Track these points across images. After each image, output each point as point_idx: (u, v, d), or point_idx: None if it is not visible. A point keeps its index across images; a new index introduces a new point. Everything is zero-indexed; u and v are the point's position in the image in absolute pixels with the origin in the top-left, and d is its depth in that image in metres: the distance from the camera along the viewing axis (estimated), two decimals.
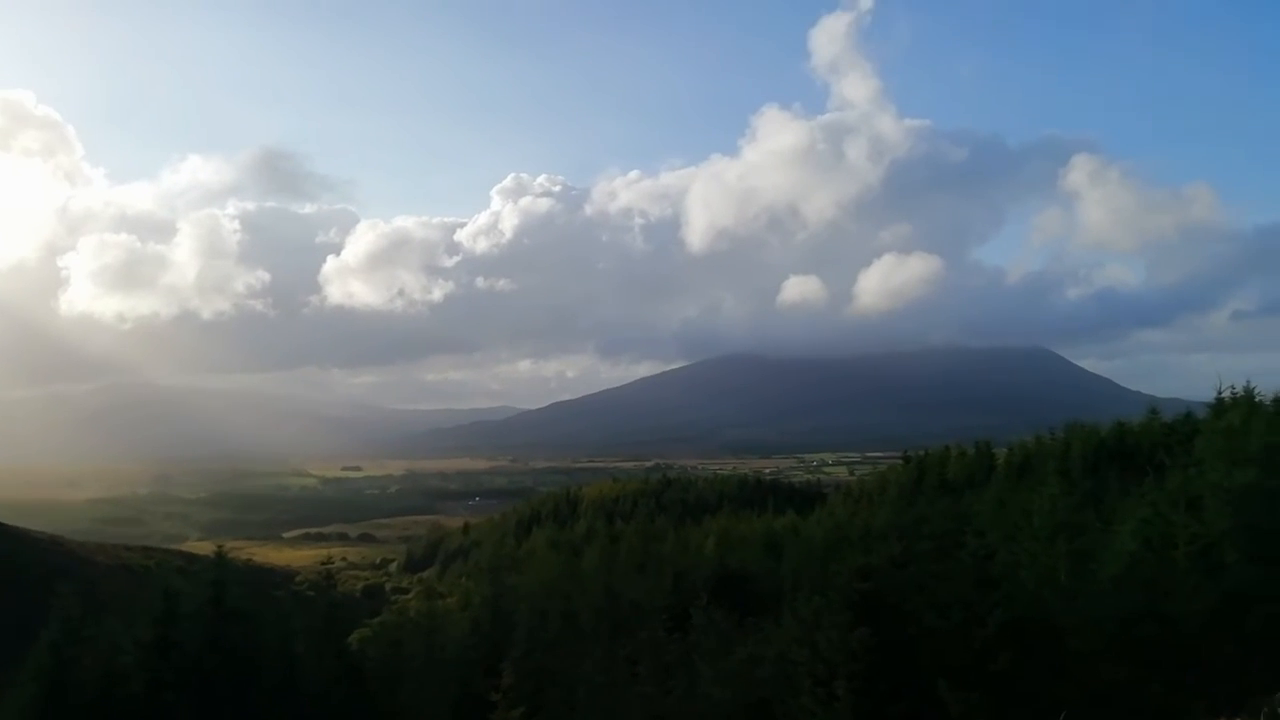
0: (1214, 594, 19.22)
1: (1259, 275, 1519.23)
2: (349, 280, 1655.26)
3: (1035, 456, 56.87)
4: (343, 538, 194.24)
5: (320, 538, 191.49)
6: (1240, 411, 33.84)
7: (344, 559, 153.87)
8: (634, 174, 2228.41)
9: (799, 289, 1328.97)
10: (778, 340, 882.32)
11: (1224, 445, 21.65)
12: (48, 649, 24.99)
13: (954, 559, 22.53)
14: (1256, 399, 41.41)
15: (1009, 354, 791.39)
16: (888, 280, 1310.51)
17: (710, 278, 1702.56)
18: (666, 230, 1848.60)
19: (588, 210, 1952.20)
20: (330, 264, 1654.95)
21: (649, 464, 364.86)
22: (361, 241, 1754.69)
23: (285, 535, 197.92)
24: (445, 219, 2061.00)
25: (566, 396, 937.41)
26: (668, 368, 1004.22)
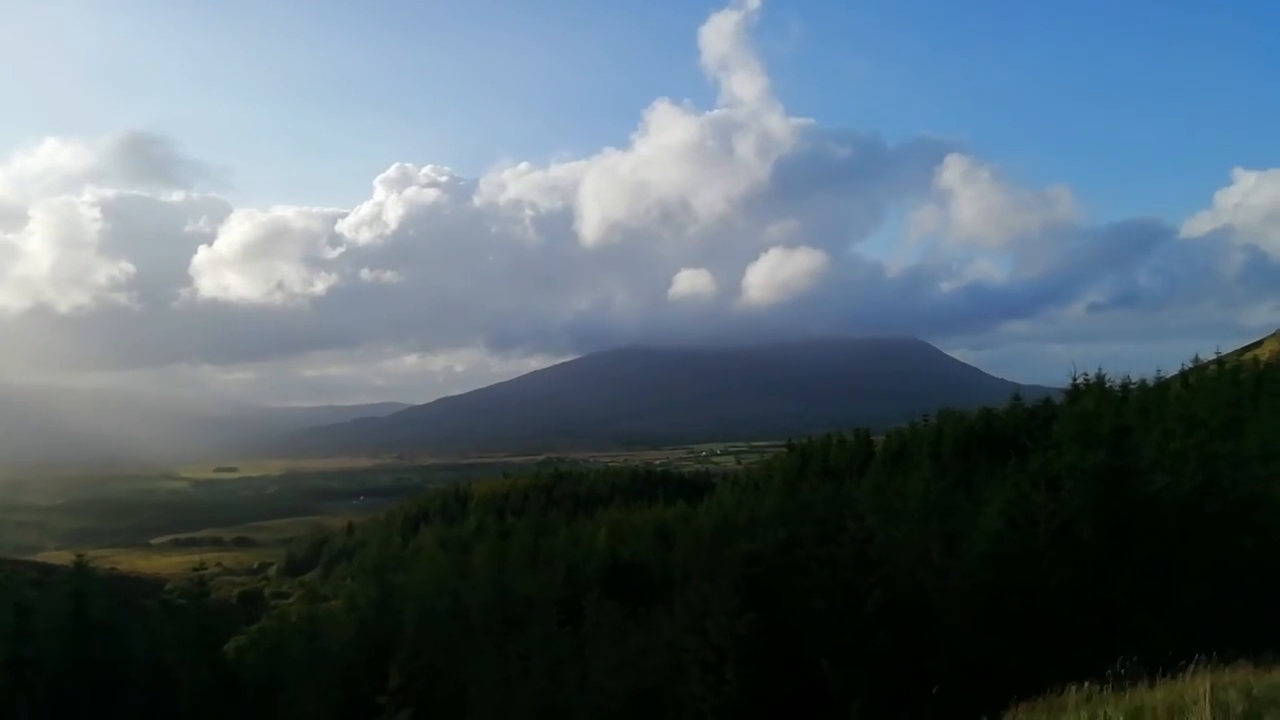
0: (1072, 568, 20.55)
1: (1112, 270, 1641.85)
2: (223, 272, 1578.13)
3: (910, 443, 59.46)
4: (217, 543, 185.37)
5: (192, 543, 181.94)
6: (1093, 396, 36.45)
7: (218, 564, 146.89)
8: (524, 165, 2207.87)
9: (690, 282, 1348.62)
10: (669, 332, 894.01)
11: (1078, 428, 23.13)
12: None
13: (835, 543, 23.30)
14: (1107, 385, 44.73)
15: (886, 344, 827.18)
16: (774, 274, 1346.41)
17: (602, 270, 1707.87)
18: (558, 223, 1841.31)
19: (476, 202, 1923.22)
20: (202, 255, 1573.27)
21: (540, 458, 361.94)
22: (236, 231, 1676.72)
23: (153, 542, 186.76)
24: (326, 209, 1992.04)
25: (455, 391, 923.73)
26: (559, 361, 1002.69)
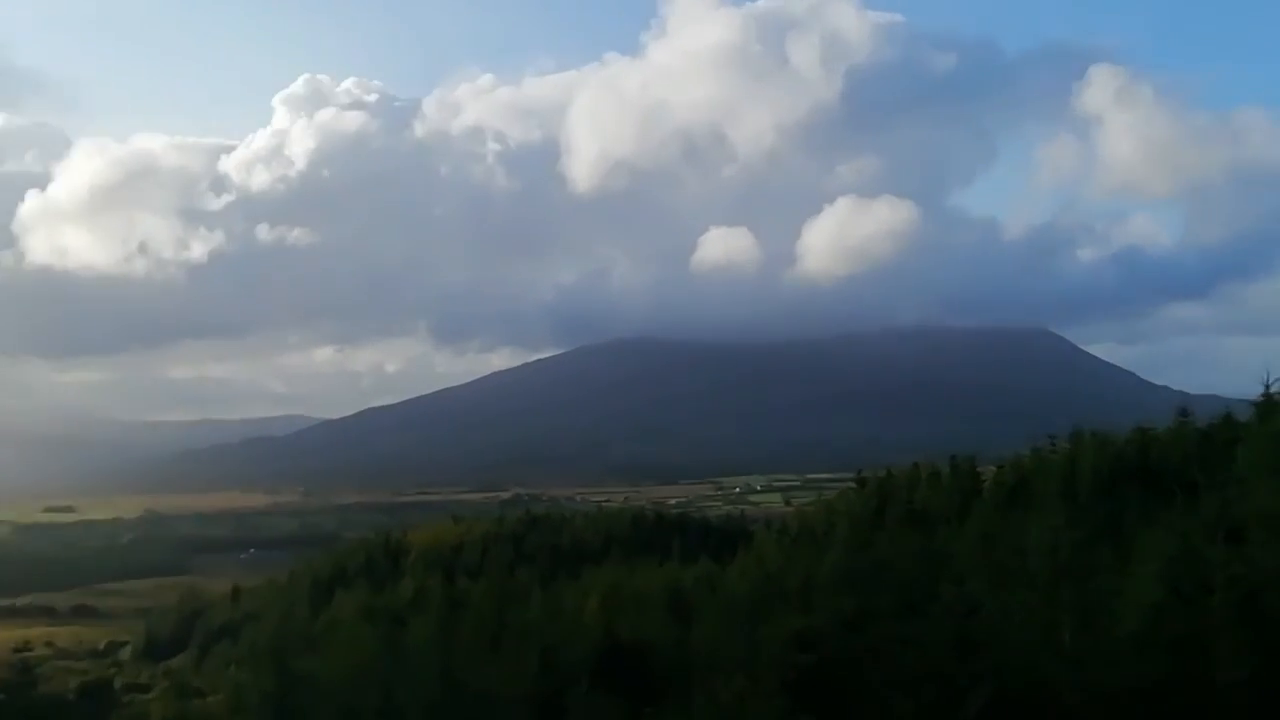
0: (1260, 655, 20.44)
1: None
2: (60, 228, 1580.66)
3: (1032, 476, 59.22)
4: (48, 612, 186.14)
5: (12, 613, 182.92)
6: None
7: (49, 643, 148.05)
8: (487, 79, 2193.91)
9: (723, 246, 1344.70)
10: (691, 319, 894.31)
11: (1274, 457, 23.08)
12: None
13: (926, 618, 23.29)
14: None
15: (1001, 337, 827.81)
16: (843, 234, 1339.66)
17: (597, 230, 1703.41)
18: (535, 161, 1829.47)
19: (418, 130, 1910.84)
20: (31, 204, 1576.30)
21: (505, 495, 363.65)
22: (81, 171, 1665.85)
23: None
24: (207, 139, 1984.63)
25: (386, 399, 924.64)
26: (534, 357, 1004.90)
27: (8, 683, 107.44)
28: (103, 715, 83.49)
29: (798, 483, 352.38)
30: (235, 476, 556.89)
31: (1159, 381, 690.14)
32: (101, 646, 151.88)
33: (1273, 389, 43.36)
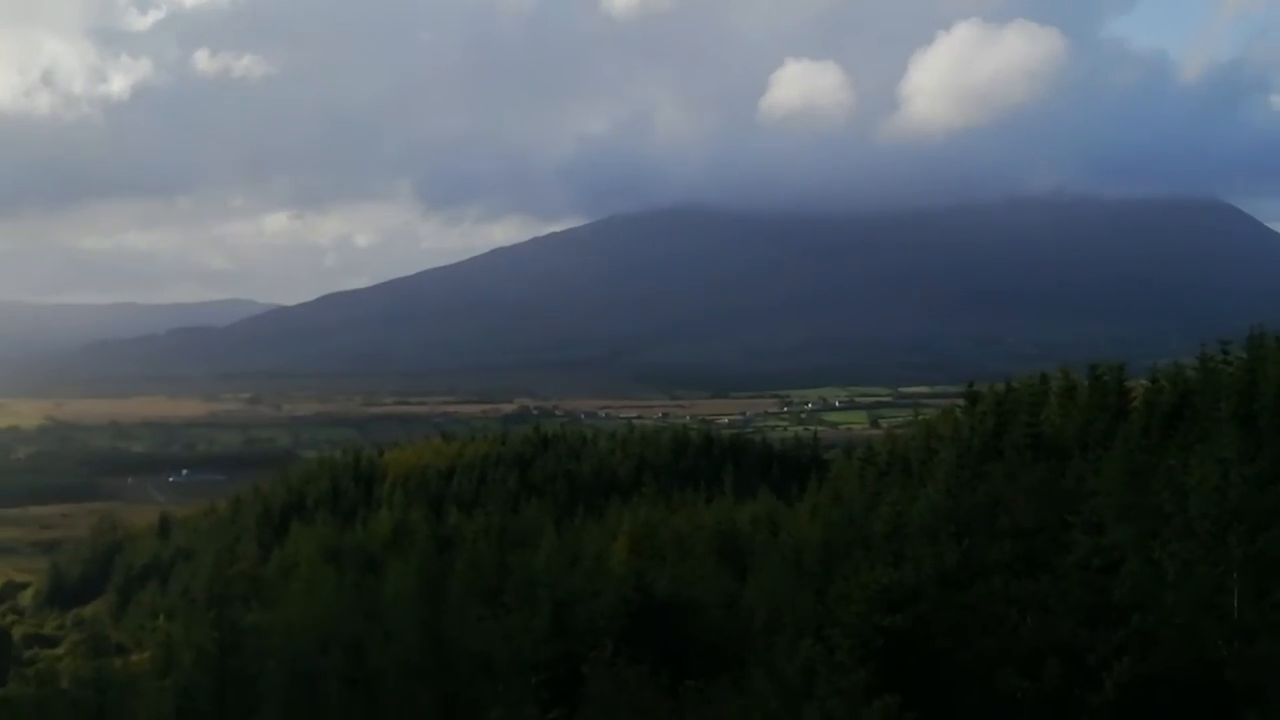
0: None
1: None
2: None
3: (1197, 393, 58.93)
4: None
5: None
6: None
7: None
8: None
9: (801, 86, 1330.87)
10: (755, 182, 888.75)
11: None
12: None
13: (1051, 573, 23.39)
14: None
15: (1163, 211, 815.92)
16: (961, 73, 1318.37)
17: (636, 63, 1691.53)
18: None
19: None
20: None
21: (509, 408, 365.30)
22: None
23: None
24: None
25: (356, 281, 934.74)
26: (546, 230, 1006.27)
27: None
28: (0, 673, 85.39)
29: (888, 398, 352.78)
30: (162, 376, 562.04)
31: None
32: None
33: None
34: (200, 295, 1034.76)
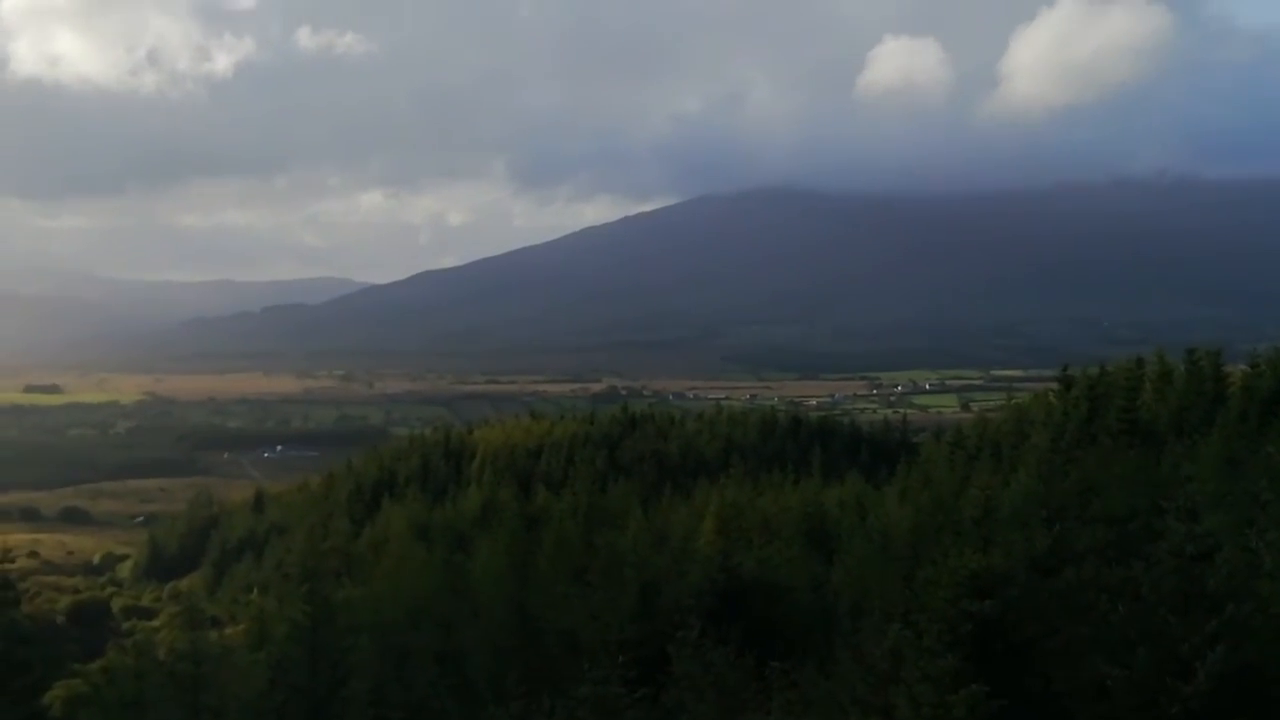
0: None
1: None
2: (48, 32, 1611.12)
3: None
4: (30, 515, 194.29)
5: None
6: None
7: (32, 553, 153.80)
8: None
9: (899, 63, 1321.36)
10: (850, 162, 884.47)
11: None
12: None
13: (1144, 560, 23.08)
14: None
15: (1266, 192, 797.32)
16: (1065, 50, 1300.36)
17: (732, 40, 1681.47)
18: None
19: None
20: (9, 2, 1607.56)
21: (597, 387, 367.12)
22: None
23: None
24: None
25: (448, 261, 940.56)
26: (637, 209, 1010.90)
27: None
28: (97, 643, 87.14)
29: (979, 381, 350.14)
30: (258, 353, 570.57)
31: None
32: (96, 560, 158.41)
33: None
34: (295, 273, 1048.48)
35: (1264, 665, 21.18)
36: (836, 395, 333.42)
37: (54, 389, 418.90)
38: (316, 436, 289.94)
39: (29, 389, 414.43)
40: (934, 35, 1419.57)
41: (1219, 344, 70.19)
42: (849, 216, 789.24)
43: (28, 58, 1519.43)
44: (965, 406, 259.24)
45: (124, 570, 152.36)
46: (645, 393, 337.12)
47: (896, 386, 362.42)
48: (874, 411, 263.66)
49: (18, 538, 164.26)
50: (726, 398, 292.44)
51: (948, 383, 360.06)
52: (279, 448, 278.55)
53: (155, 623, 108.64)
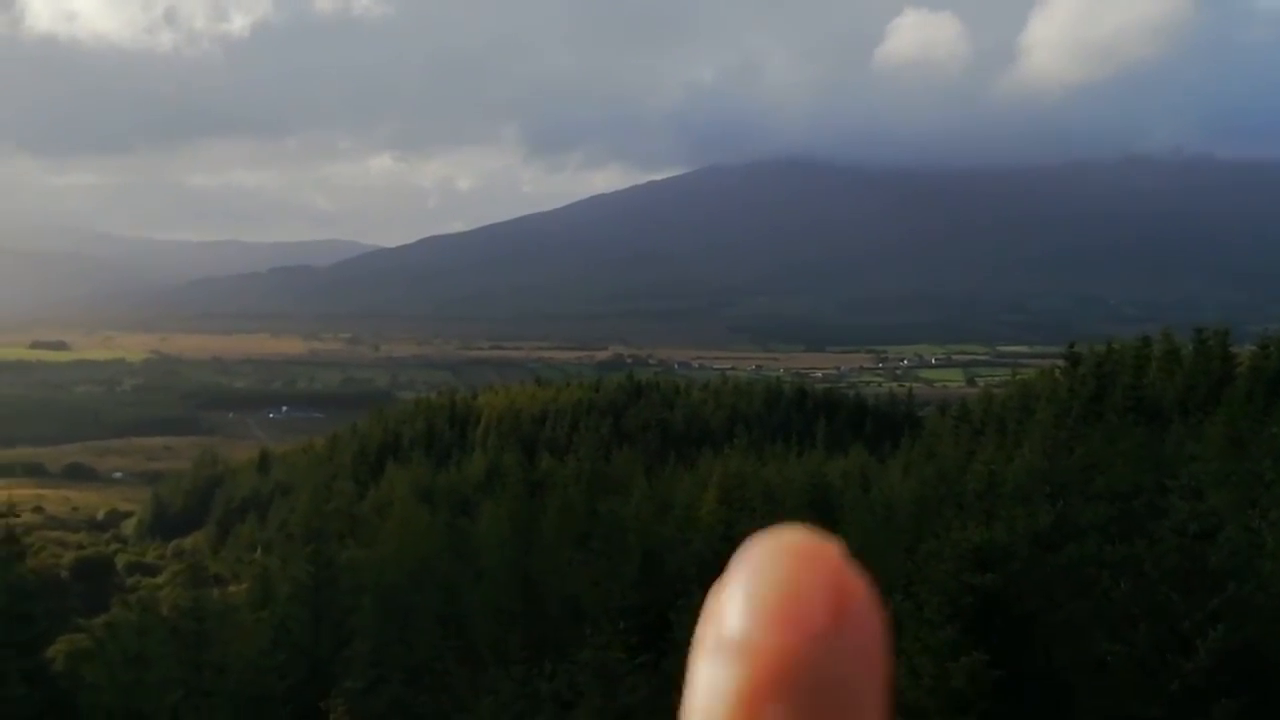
0: None
1: None
2: None
3: None
4: (35, 470, 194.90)
5: None
6: None
7: (37, 509, 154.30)
8: None
9: (917, 36, 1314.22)
10: (866, 134, 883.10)
11: None
12: None
13: (1147, 537, 23.16)
14: None
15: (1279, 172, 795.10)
16: (1083, 26, 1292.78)
17: (748, 8, 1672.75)
18: None
19: None
20: None
21: (603, 354, 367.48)
22: None
23: None
24: None
25: (456, 226, 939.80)
26: (647, 178, 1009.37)
27: None
28: (101, 599, 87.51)
29: (985, 356, 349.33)
30: (264, 314, 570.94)
31: None
32: (100, 516, 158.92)
33: None
34: (302, 235, 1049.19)
35: (1265, 643, 21.26)
36: (842, 368, 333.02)
37: (60, 345, 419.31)
38: (322, 398, 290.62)
39: (35, 345, 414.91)
40: (953, 9, 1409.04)
41: (1225, 324, 70.27)
42: (860, 189, 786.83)
43: (44, 13, 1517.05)
44: (971, 381, 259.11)
45: (128, 527, 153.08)
46: (651, 361, 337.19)
47: (903, 360, 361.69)
48: (879, 384, 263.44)
49: (22, 493, 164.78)
50: (732, 368, 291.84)
51: (954, 357, 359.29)
52: (284, 409, 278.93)
53: (159, 579, 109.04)
